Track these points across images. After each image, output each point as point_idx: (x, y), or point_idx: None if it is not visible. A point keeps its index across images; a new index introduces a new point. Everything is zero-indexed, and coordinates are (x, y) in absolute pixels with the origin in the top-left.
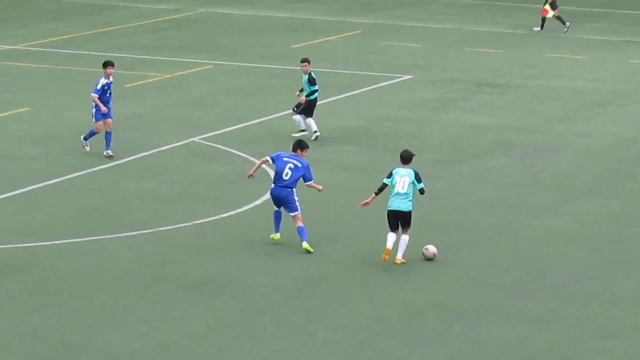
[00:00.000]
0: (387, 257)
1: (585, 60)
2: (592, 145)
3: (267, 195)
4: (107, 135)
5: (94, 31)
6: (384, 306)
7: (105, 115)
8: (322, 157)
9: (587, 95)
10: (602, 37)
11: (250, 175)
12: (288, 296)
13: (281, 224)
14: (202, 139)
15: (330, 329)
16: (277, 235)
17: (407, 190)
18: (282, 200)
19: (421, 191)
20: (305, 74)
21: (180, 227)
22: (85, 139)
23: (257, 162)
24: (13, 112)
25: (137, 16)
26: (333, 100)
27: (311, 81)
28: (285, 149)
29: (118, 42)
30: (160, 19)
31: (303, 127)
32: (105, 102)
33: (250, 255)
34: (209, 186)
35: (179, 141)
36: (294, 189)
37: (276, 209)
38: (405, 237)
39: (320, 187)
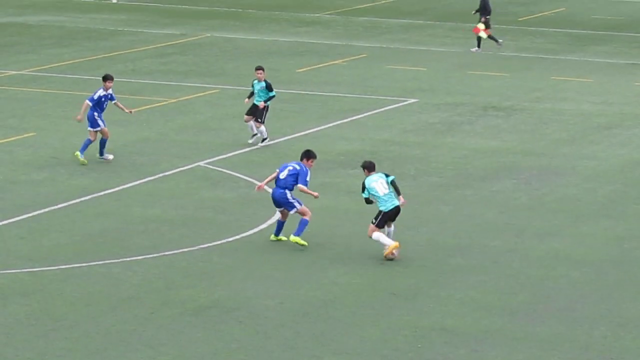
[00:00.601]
0: (394, 251)
1: (592, 83)
2: (598, 168)
3: (274, 219)
4: (103, 142)
5: (100, 56)
6: (390, 330)
7: (100, 125)
8: (327, 181)
9: (593, 118)
10: (608, 60)
11: (260, 188)
12: (294, 320)
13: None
14: (207, 163)
15: (336, 353)
16: (273, 237)
17: (390, 189)
18: (278, 201)
19: (393, 183)
20: (260, 81)
21: (186, 252)
22: (101, 154)
23: (269, 177)
24: (19, 137)
25: (142, 41)
26: (338, 124)
27: (269, 88)
28: None
29: (123, 67)
30: (166, 44)
31: (257, 132)
32: (100, 112)
33: (257, 279)
34: (214, 210)
35: (185, 166)
36: (288, 191)
37: (279, 217)
38: (392, 225)
39: (315, 193)
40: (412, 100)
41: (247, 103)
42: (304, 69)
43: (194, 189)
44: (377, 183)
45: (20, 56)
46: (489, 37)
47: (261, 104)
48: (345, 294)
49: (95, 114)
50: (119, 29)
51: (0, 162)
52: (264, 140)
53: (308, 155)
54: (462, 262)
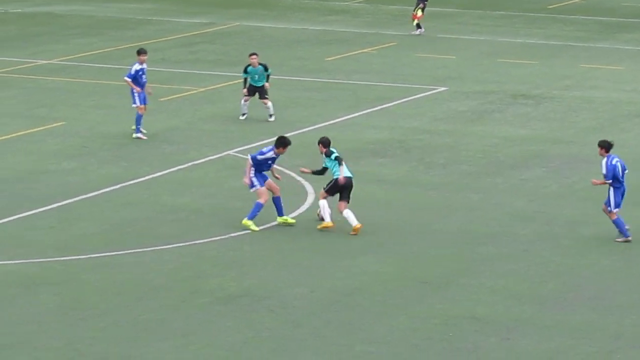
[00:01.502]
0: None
1: (622, 70)
2: (628, 155)
3: (304, 208)
4: (138, 116)
5: (128, 45)
6: (420, 318)
7: (143, 100)
8: (357, 170)
9: (623, 105)
10: (638, 48)
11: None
12: (324, 309)
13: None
14: (236, 152)
15: (366, 341)
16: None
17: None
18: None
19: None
20: (256, 66)
21: (216, 240)
22: (138, 130)
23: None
24: (48, 126)
25: (170, 30)
26: (368, 113)
27: (266, 68)
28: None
29: (152, 56)
30: (194, 33)
31: (246, 111)
32: (141, 86)
33: (287, 268)
34: (244, 199)
35: (214, 155)
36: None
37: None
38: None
39: (246, 180)
40: (442, 89)
41: (245, 92)
42: (333, 58)
43: (223, 178)
44: (343, 167)
45: (49, 46)
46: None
47: (267, 85)
48: (375, 282)
49: (133, 90)
50: (147, 18)
51: (30, 152)
52: (271, 116)
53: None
54: (493, 250)
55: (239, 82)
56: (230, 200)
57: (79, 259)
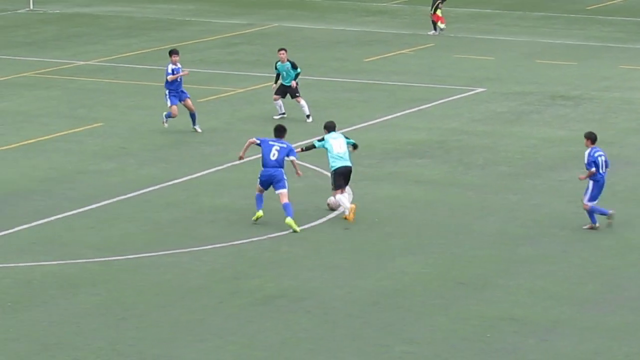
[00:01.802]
0: (353, 215)
1: None
2: None
3: (341, 209)
4: (192, 115)
5: (167, 46)
6: (459, 319)
7: (180, 98)
8: (396, 170)
9: None
10: None
11: (241, 157)
12: (363, 310)
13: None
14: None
15: (405, 342)
16: (260, 213)
17: (345, 149)
18: (273, 179)
19: (354, 146)
20: (284, 62)
21: (254, 241)
22: (167, 116)
23: (246, 144)
24: (88, 127)
25: (210, 31)
26: (406, 114)
27: (294, 66)
28: (358, 160)
29: (191, 57)
30: (233, 34)
31: (284, 111)
32: (178, 86)
33: (325, 268)
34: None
35: (253, 155)
36: (283, 169)
37: (259, 192)
38: (349, 190)
39: (300, 172)
40: (480, 90)
41: (275, 87)
42: (372, 59)
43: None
44: (336, 141)
45: (89, 47)
46: (434, 22)
47: (293, 84)
48: (413, 283)
49: (167, 91)
50: (187, 19)
51: (70, 152)
52: (308, 116)
53: (286, 130)
54: (531, 251)
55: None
56: (268, 201)
57: (119, 259)
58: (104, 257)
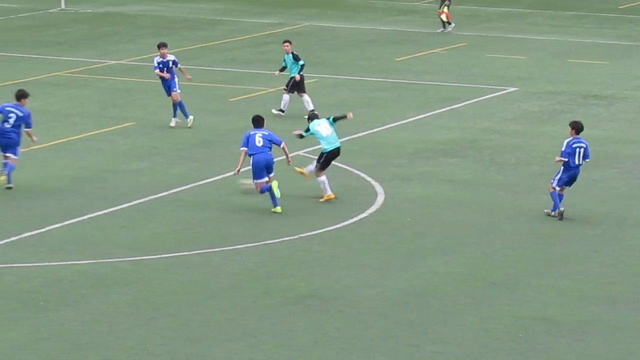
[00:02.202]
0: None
1: None
2: None
3: (373, 209)
4: (174, 106)
5: (198, 46)
6: (490, 319)
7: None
8: (427, 170)
9: None
10: None
11: (237, 172)
12: (394, 309)
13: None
14: (306, 152)
15: (436, 342)
16: (279, 209)
17: (333, 129)
18: (268, 163)
19: (334, 119)
20: (288, 54)
21: (286, 241)
22: (186, 115)
23: (241, 158)
24: (119, 126)
25: (240, 31)
26: (437, 113)
27: (296, 58)
28: (389, 160)
29: (222, 56)
30: (264, 33)
31: (285, 108)
32: (163, 80)
33: (356, 268)
34: (314, 199)
35: (284, 155)
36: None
37: (264, 182)
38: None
39: (291, 160)
40: (512, 89)
41: (278, 75)
42: (403, 58)
43: (294, 178)
44: (321, 126)
45: (120, 46)
46: (443, 20)
47: (297, 77)
48: (445, 283)
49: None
50: (217, 18)
51: (101, 152)
52: (312, 111)
53: (263, 119)
54: (563, 251)
55: (308, 83)
56: (300, 200)
57: (150, 258)
58: (135, 257)
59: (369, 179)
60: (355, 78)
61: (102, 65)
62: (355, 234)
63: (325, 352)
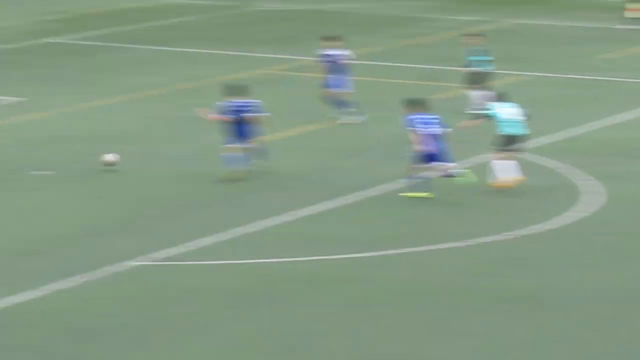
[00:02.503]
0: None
1: None
2: None
3: (592, 209)
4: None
5: (405, 44)
6: None
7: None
8: (636, 169)
9: None
10: None
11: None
12: (616, 310)
13: None
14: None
15: None
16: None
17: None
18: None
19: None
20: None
21: (500, 239)
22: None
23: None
24: (323, 126)
25: (443, 27)
26: None
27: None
28: (602, 160)
29: (430, 52)
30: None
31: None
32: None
33: (573, 268)
34: (525, 197)
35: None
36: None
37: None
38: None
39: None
40: None
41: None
42: (607, 55)
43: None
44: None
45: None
46: None
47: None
48: None
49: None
50: (425, 15)
51: (322, 149)
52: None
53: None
54: None
55: (520, 80)
56: (518, 198)
57: (366, 256)
58: (351, 254)
59: (586, 177)
60: (561, 76)
61: (310, 62)
62: (572, 234)
63: (540, 353)
